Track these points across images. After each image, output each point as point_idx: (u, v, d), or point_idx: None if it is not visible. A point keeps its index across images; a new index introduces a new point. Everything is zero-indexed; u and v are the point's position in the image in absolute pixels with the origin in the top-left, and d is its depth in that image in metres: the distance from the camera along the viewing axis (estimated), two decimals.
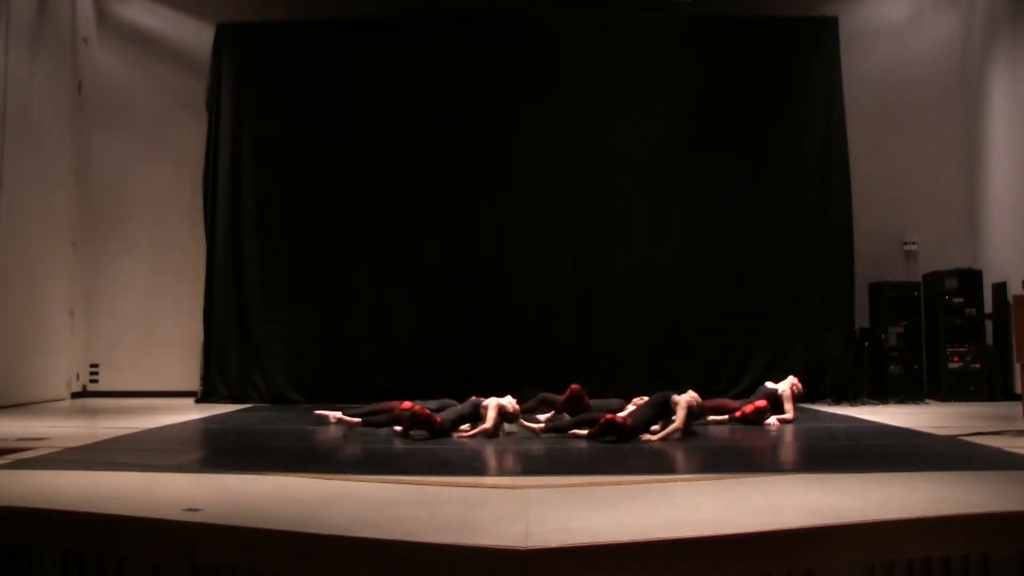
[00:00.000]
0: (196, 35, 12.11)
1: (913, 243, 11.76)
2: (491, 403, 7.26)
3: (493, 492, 4.62)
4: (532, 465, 6.08)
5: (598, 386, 10.20)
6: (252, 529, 3.72)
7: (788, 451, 6.97)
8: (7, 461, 5.63)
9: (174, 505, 4.09)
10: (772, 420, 8.14)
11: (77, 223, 11.88)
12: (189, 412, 9.69)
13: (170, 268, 12.04)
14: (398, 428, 7.24)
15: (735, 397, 9.49)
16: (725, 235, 11.36)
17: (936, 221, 11.76)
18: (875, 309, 11.27)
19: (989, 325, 10.95)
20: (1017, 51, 10.76)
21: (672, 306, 11.31)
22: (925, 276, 11.37)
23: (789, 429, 7.95)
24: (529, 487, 4.67)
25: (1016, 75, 10.77)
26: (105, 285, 12.07)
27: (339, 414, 8.22)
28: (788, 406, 8.34)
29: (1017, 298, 8.78)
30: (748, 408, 8.20)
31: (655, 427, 7.03)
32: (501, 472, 5.80)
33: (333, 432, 7.82)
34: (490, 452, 6.47)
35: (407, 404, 7.95)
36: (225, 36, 11.92)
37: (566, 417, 7.52)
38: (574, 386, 7.78)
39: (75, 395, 11.71)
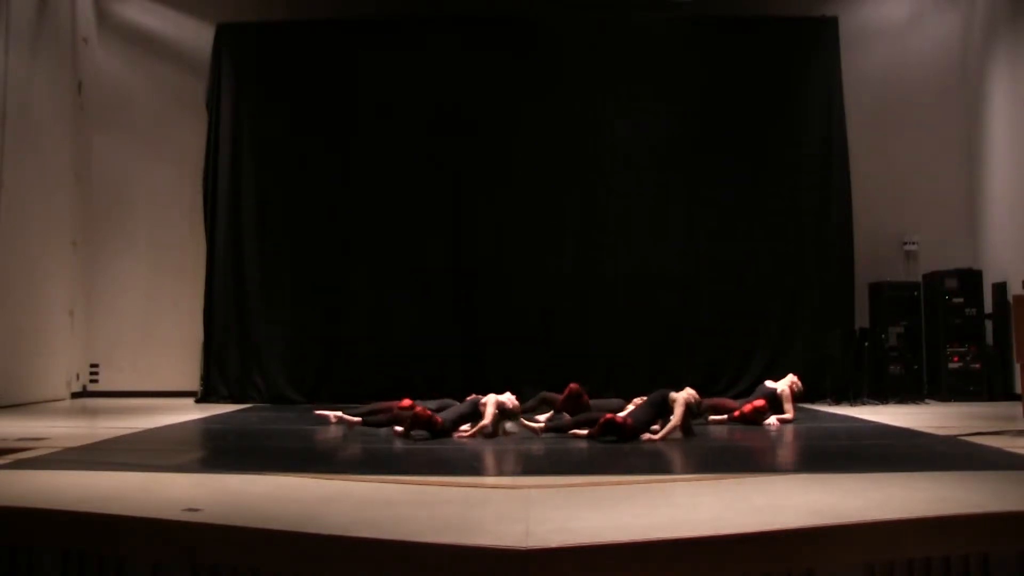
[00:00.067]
0: (196, 35, 12.11)
1: (913, 243, 11.76)
2: (489, 400, 7.27)
3: (493, 492, 4.62)
4: (532, 465, 6.08)
5: (598, 386, 10.20)
6: (252, 529, 3.72)
7: (788, 451, 6.97)
8: (7, 461, 5.63)
9: (174, 505, 4.09)
10: (772, 420, 8.14)
11: (77, 223, 11.88)
12: (189, 412, 9.69)
13: (170, 268, 12.04)
14: (399, 428, 7.24)
15: (735, 397, 9.48)
16: (725, 235, 11.36)
17: (936, 221, 11.76)
18: (875, 309, 11.27)
19: (989, 325, 10.95)
20: (1017, 51, 10.76)
21: (672, 306, 11.31)
22: (925, 276, 11.37)
23: (789, 429, 7.95)
24: (529, 487, 4.67)
25: (1016, 75, 10.77)
26: (105, 285, 12.07)
27: (339, 414, 8.23)
28: (788, 406, 8.34)
29: (1017, 298, 8.78)
30: (747, 408, 8.21)
31: (655, 427, 7.03)
32: (501, 472, 5.80)
33: (333, 432, 7.82)
34: (490, 452, 6.47)
35: (407, 401, 7.98)
36: (225, 36, 11.92)
37: (566, 417, 7.52)
38: (573, 385, 7.78)
39: (75, 395, 11.71)
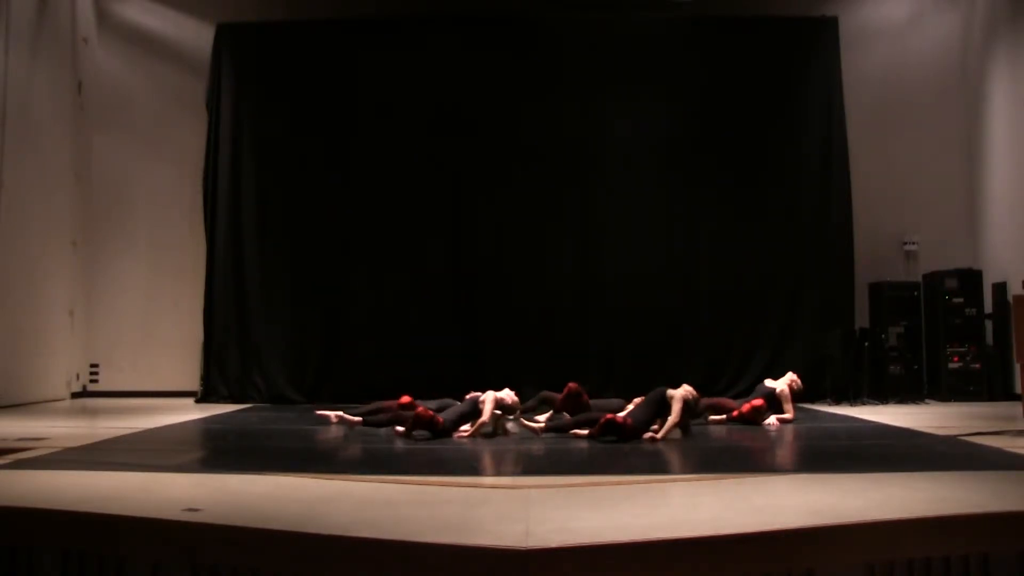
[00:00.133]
0: (196, 35, 12.11)
1: (913, 243, 11.76)
2: (487, 396, 7.27)
3: (493, 492, 4.62)
4: (532, 465, 6.08)
5: (598, 386, 10.21)
6: (252, 529, 3.72)
7: (788, 451, 6.97)
8: (7, 461, 5.63)
9: (174, 505, 4.09)
10: (772, 420, 8.14)
11: (77, 223, 11.88)
12: (189, 412, 9.69)
13: (170, 268, 12.04)
14: (400, 428, 7.24)
15: (735, 397, 9.48)
16: (725, 235, 11.36)
17: (936, 221, 11.76)
18: (875, 309, 11.27)
19: (989, 325, 10.95)
20: (1017, 51, 10.76)
21: (672, 306, 11.31)
22: (925, 276, 11.37)
23: (789, 429, 7.95)
24: (529, 487, 4.67)
25: (1016, 75, 10.77)
26: (105, 285, 12.07)
27: (340, 413, 8.23)
28: (788, 406, 8.34)
29: (1017, 298, 8.78)
30: (745, 408, 8.21)
31: (654, 426, 7.03)
32: (501, 472, 5.80)
33: (333, 432, 7.82)
34: (490, 452, 6.48)
35: (406, 398, 7.98)
36: (225, 36, 11.92)
37: (566, 417, 7.52)
38: (572, 384, 7.78)
39: (75, 395, 11.71)
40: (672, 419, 6.96)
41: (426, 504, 4.27)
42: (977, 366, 10.76)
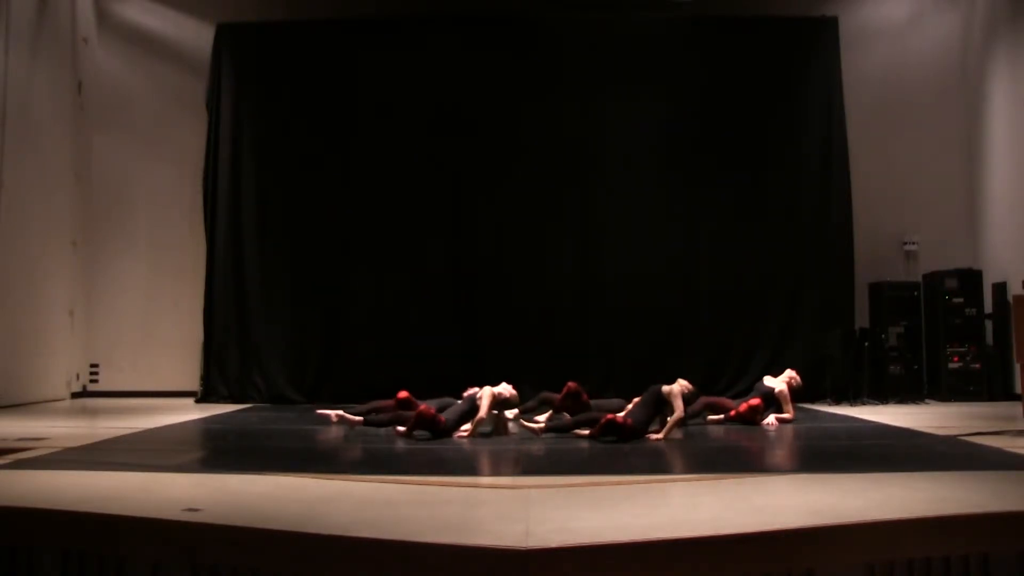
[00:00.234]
0: (196, 35, 12.11)
1: (913, 243, 11.76)
2: (484, 392, 7.27)
3: (493, 492, 4.63)
4: (532, 465, 6.08)
5: (598, 386, 10.21)
6: (252, 529, 3.72)
7: (788, 451, 6.97)
8: (7, 461, 5.63)
9: (174, 505, 4.09)
10: (771, 420, 8.14)
11: (77, 223, 11.88)
12: (189, 412, 9.69)
13: (170, 268, 12.04)
14: (401, 428, 7.23)
15: (735, 397, 9.46)
16: (725, 235, 11.35)
17: (936, 221, 11.75)
18: (875, 309, 11.27)
19: (989, 325, 10.95)
20: (1017, 51, 10.76)
21: (672, 306, 11.31)
22: (925, 276, 11.37)
23: (788, 429, 7.95)
24: (529, 487, 4.67)
25: (1016, 75, 10.77)
26: (105, 285, 12.07)
27: (340, 412, 8.23)
28: (787, 406, 8.33)
29: (1017, 298, 8.78)
30: (742, 407, 8.21)
31: (655, 427, 7.04)
32: (501, 472, 5.81)
33: (334, 432, 7.82)
34: (490, 452, 6.47)
35: (404, 394, 7.98)
36: (225, 36, 11.92)
37: (566, 417, 7.52)
38: (571, 384, 7.77)
39: (75, 395, 11.71)
40: (677, 415, 6.98)
41: (426, 504, 4.27)
42: (977, 366, 10.76)
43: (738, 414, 8.17)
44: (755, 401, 8.24)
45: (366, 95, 11.67)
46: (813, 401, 10.07)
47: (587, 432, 6.99)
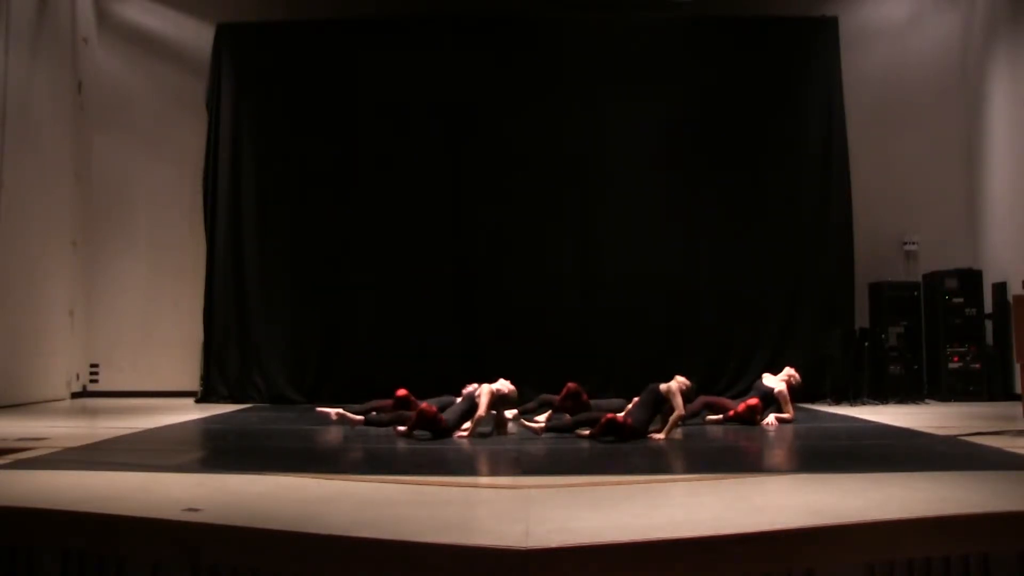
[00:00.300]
0: (196, 35, 12.11)
1: (913, 243, 11.76)
2: (483, 390, 7.26)
3: (493, 492, 4.63)
4: (532, 465, 6.07)
5: (598, 386, 10.20)
6: (252, 529, 3.72)
7: (788, 451, 6.96)
8: (7, 461, 5.63)
9: (174, 505, 4.09)
10: (771, 420, 8.14)
11: (77, 223, 11.88)
12: (189, 412, 9.69)
13: (170, 268, 12.04)
14: (402, 428, 7.23)
15: (734, 397, 9.46)
16: (725, 235, 11.36)
17: (936, 221, 11.75)
18: (875, 309, 11.27)
19: (989, 325, 10.95)
20: (1017, 51, 10.76)
21: (672, 306, 11.31)
22: (925, 276, 11.37)
23: (788, 429, 7.95)
24: (529, 487, 4.67)
25: (1016, 75, 10.77)
26: (105, 285, 12.07)
27: (340, 410, 8.23)
28: (787, 406, 8.33)
29: (1017, 298, 8.78)
30: (741, 407, 8.21)
31: (655, 427, 7.04)
32: (501, 472, 5.80)
33: (334, 432, 7.81)
34: (490, 452, 6.47)
35: (402, 391, 7.98)
36: (225, 36, 11.92)
37: (566, 417, 7.52)
38: (571, 384, 7.77)
39: (75, 395, 11.71)
40: (678, 412, 7.00)
41: (426, 504, 4.27)
42: (977, 366, 10.76)
43: (736, 414, 8.17)
44: (753, 401, 8.24)
45: (366, 95, 11.67)
46: (813, 401, 10.07)
47: (587, 432, 6.99)
